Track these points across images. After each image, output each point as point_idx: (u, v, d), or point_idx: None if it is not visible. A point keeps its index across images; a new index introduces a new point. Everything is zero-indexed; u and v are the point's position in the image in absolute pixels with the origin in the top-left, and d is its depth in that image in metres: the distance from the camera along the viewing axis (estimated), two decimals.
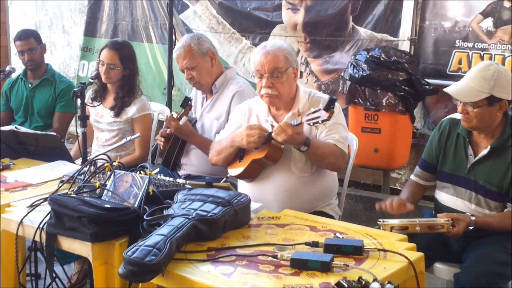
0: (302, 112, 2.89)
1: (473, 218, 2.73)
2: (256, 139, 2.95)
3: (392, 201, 2.85)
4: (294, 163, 3.04)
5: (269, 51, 3.04)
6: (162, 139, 3.70)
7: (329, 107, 2.69)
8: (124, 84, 3.91)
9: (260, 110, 3.19)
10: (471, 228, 2.72)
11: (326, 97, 3.10)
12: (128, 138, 3.41)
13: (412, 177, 3.14)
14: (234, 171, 3.14)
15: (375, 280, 1.88)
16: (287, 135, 2.82)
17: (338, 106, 3.06)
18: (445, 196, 2.97)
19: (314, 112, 2.75)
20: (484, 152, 2.85)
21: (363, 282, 1.86)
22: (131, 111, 3.90)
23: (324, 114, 2.70)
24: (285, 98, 3.09)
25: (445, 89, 2.84)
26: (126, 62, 3.89)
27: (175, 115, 3.53)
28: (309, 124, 2.77)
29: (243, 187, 3.17)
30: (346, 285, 1.84)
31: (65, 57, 7.17)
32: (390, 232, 2.60)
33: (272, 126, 2.99)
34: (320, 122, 2.72)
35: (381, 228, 2.66)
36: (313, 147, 2.91)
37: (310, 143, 2.90)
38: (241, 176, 3.13)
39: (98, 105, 3.86)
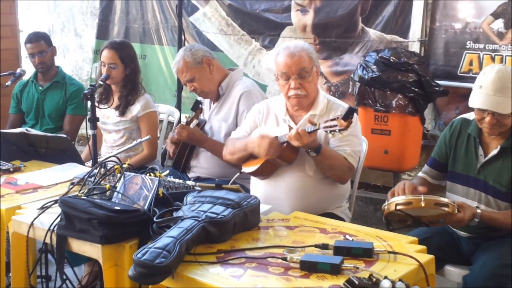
0: (319, 116, 2.96)
1: (479, 211, 2.72)
2: (267, 150, 2.95)
3: (404, 184, 2.78)
4: (309, 164, 3.04)
5: (294, 52, 3.03)
6: (173, 146, 3.71)
7: (347, 116, 2.69)
8: (126, 83, 3.95)
9: (278, 109, 3.20)
10: (476, 220, 2.70)
11: (345, 106, 3.06)
12: (138, 140, 3.43)
13: (420, 174, 3.13)
14: (248, 168, 3.15)
15: (386, 278, 1.86)
16: (302, 143, 2.84)
17: (355, 117, 3.06)
18: (455, 197, 2.95)
19: (332, 120, 2.75)
20: (494, 152, 2.84)
21: (374, 280, 1.84)
22: (136, 109, 3.92)
23: (342, 123, 2.69)
24: (312, 98, 3.10)
25: (478, 106, 2.73)
26: (126, 61, 3.92)
27: (185, 120, 3.53)
28: (325, 131, 2.77)
29: (256, 184, 3.18)
30: (356, 282, 1.83)
31: (78, 60, 7.21)
32: (395, 212, 2.57)
33: (290, 128, 2.99)
34: (337, 130, 2.72)
35: (386, 210, 2.63)
36: (322, 156, 2.93)
37: (320, 151, 2.92)
38: (255, 173, 3.14)
39: (107, 108, 3.88)
